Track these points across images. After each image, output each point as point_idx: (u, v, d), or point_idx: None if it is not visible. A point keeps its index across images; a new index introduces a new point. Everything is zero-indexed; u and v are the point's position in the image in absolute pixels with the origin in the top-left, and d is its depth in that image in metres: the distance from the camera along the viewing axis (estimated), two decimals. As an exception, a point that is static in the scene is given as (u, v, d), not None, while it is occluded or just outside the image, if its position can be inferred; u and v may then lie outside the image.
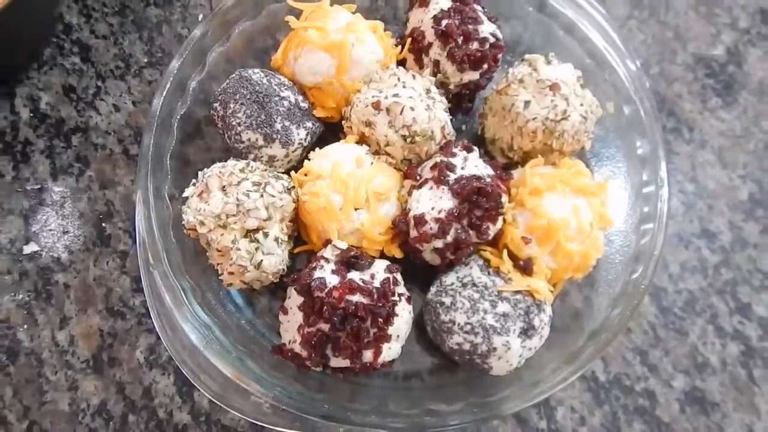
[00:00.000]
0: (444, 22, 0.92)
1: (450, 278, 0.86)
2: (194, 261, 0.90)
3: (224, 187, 0.83)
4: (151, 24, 1.16)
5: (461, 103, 1.01)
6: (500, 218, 0.85)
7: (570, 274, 0.87)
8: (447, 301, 0.82)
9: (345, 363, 0.78)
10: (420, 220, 0.83)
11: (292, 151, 0.92)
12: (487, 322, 0.79)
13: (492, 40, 0.93)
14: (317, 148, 0.92)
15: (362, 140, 0.93)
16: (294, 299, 0.81)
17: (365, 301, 0.77)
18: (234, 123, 0.89)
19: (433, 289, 0.87)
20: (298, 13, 0.97)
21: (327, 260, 0.82)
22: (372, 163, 0.89)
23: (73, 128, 1.08)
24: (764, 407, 0.95)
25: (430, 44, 0.94)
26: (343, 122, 0.96)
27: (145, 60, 1.13)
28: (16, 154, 1.06)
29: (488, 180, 0.84)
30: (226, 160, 0.89)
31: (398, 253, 0.90)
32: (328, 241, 0.85)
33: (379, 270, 0.83)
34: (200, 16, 1.17)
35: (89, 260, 1.01)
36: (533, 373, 0.85)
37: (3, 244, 1.01)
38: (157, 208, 0.89)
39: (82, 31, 1.14)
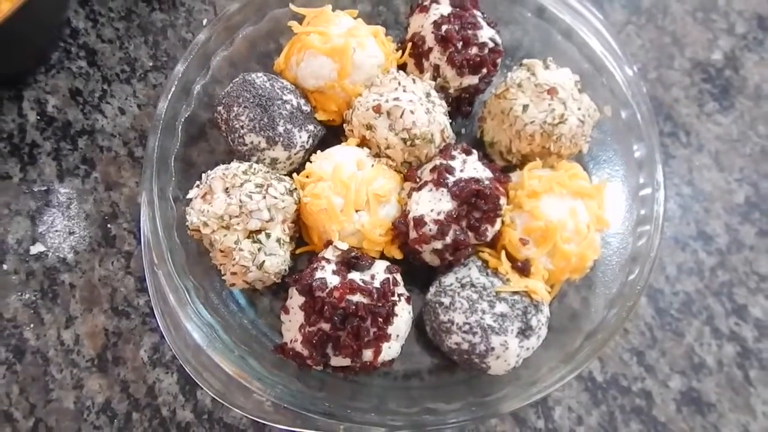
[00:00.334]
0: (444, 28, 0.93)
1: (449, 279, 0.87)
2: (198, 261, 0.91)
3: (227, 188, 0.84)
4: (156, 29, 1.18)
5: (461, 106, 1.02)
6: (498, 220, 0.86)
7: (567, 275, 0.88)
8: (446, 301, 0.84)
9: (345, 362, 0.79)
10: (419, 222, 0.84)
11: (294, 154, 0.94)
12: (486, 322, 0.80)
13: (491, 45, 0.95)
14: (319, 151, 0.93)
15: (363, 143, 0.94)
16: (295, 299, 0.82)
17: (365, 301, 0.78)
18: (237, 126, 0.90)
19: (432, 290, 0.88)
20: (300, 18, 0.98)
21: (328, 261, 0.83)
22: (373, 165, 0.90)
23: (79, 131, 1.10)
24: (760, 408, 0.96)
25: (431, 49, 0.95)
26: (344, 125, 0.97)
27: (151, 64, 1.15)
28: (24, 156, 1.08)
29: (487, 182, 0.85)
30: (229, 163, 0.90)
31: (398, 254, 0.91)
32: (329, 242, 0.86)
33: (379, 270, 0.84)
34: (204, 21, 1.19)
35: (95, 260, 1.02)
36: (531, 373, 0.86)
37: (10, 244, 1.03)
38: (162, 209, 0.90)
39: (88, 36, 1.16)
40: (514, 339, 0.80)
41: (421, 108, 0.89)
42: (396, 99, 0.89)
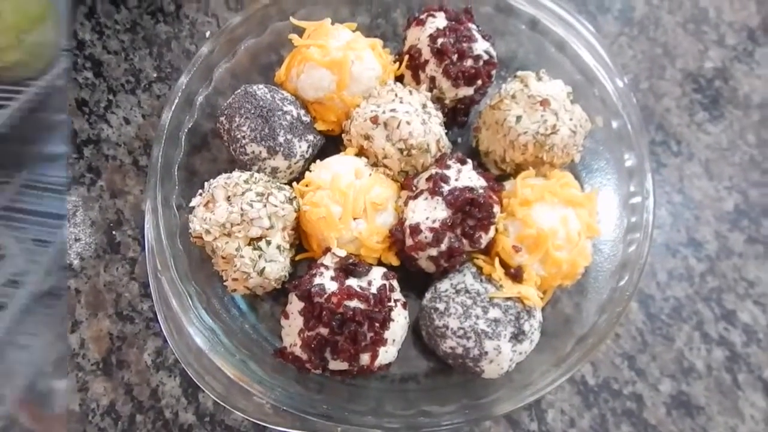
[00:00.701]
0: (440, 41, 0.95)
1: (444, 285, 0.88)
2: (200, 268, 0.93)
3: (229, 197, 0.86)
4: (161, 41, 1.20)
5: (456, 117, 1.04)
6: (492, 228, 0.88)
7: (559, 281, 0.90)
8: (441, 306, 0.85)
9: (343, 365, 0.80)
10: (415, 230, 0.85)
11: (294, 163, 0.95)
12: (479, 327, 0.82)
13: (486, 57, 0.97)
14: (318, 160, 0.94)
15: (361, 153, 0.96)
16: (295, 304, 0.83)
17: (362, 306, 0.79)
18: (239, 136, 0.92)
19: (428, 296, 0.90)
20: (301, 31, 1.00)
21: (326, 267, 0.85)
22: (370, 174, 0.92)
23: (85, 140, 1.12)
24: (748, 411, 0.98)
25: (427, 61, 0.97)
26: (343, 135, 0.99)
27: (155, 75, 1.17)
28: (31, 165, 1.10)
29: (481, 191, 0.87)
30: (231, 172, 0.91)
31: (395, 261, 0.92)
32: (327, 249, 0.87)
33: (376, 277, 0.85)
34: (207, 33, 1.20)
35: (100, 266, 1.04)
36: (524, 376, 0.87)
37: (17, 250, 1.05)
38: (165, 217, 0.91)
39: (94, 47, 1.19)
40: (507, 343, 0.82)
41: (417, 119, 0.91)
42: (393, 110, 0.91)
